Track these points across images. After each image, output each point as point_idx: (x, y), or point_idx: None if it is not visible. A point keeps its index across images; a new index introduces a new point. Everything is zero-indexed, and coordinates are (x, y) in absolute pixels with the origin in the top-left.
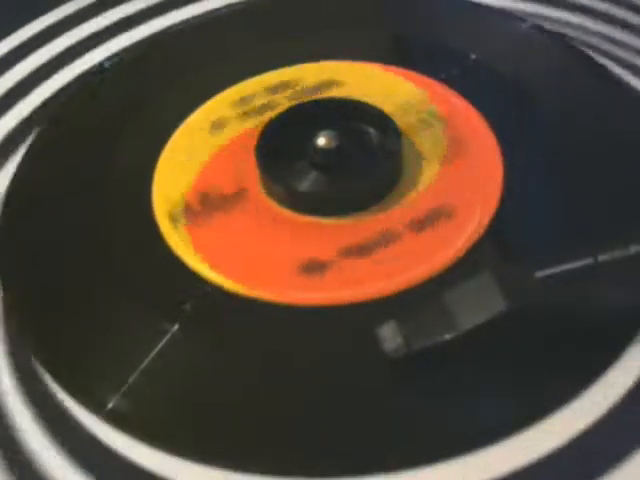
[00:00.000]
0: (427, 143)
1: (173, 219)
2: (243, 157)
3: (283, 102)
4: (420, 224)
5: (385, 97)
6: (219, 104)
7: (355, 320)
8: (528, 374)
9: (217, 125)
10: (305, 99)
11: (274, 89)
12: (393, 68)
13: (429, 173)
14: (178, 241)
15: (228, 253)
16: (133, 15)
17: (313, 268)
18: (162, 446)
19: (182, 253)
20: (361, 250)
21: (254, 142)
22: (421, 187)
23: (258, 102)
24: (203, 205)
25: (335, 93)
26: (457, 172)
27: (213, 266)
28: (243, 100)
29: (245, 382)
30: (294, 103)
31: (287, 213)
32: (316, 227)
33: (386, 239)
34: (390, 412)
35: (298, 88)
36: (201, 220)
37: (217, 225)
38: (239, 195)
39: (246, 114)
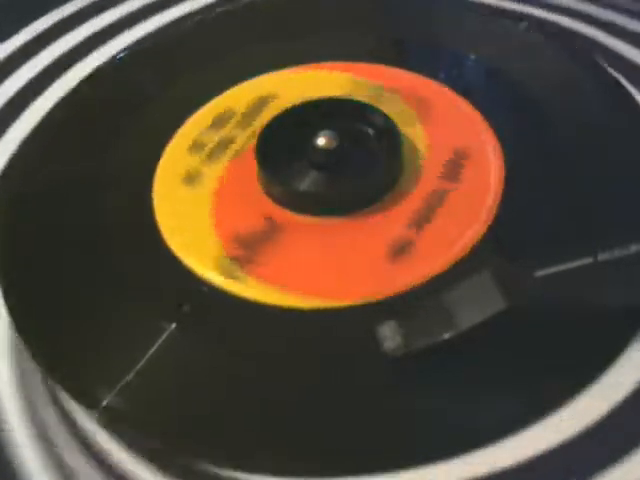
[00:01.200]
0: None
1: (229, 272)
2: (245, 188)
3: (237, 133)
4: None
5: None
6: (175, 156)
7: (355, 320)
8: (528, 374)
9: (192, 179)
10: (254, 125)
11: (217, 124)
12: (331, 65)
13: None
14: (245, 287)
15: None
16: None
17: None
18: (158, 444)
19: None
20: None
21: (244, 172)
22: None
23: (212, 143)
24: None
25: (274, 106)
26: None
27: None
28: (196, 146)
29: (242, 382)
30: (247, 133)
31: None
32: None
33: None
34: (389, 412)
35: (238, 117)
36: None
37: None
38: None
39: (210, 157)
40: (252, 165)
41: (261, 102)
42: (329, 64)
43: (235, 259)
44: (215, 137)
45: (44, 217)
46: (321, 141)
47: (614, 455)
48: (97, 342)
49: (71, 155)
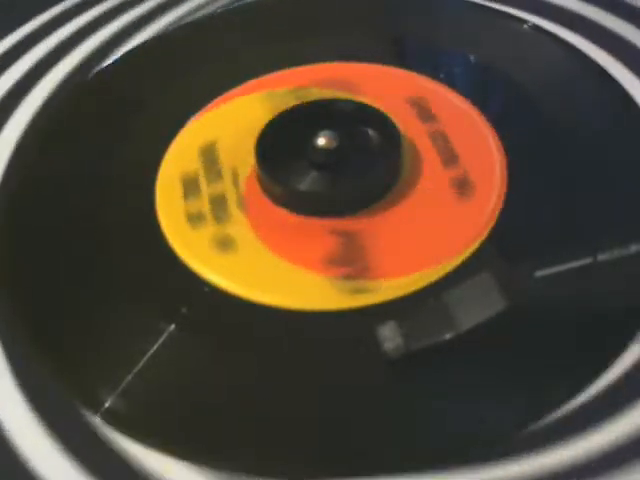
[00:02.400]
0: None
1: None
2: None
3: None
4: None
5: None
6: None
7: (354, 321)
8: (528, 374)
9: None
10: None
11: (188, 191)
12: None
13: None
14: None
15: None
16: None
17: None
18: (158, 446)
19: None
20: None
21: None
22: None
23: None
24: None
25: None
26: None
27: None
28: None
29: (241, 383)
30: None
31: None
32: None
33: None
34: (389, 413)
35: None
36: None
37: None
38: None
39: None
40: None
41: (208, 152)
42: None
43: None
44: (201, 201)
45: (44, 217)
46: (321, 141)
47: (615, 455)
48: (97, 344)
49: (71, 155)
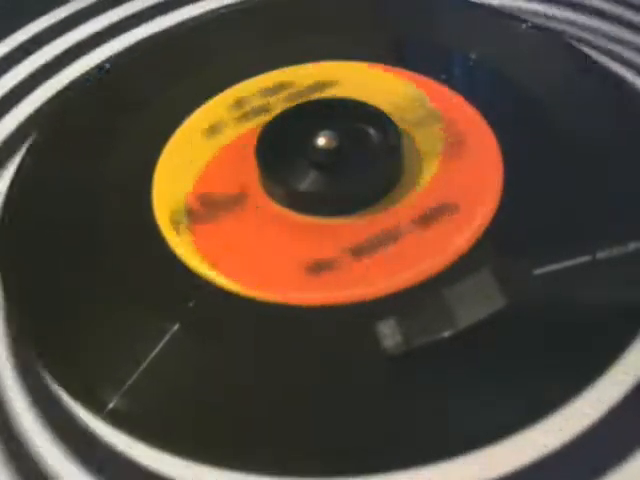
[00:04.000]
0: (426, 142)
1: (175, 221)
2: (242, 159)
3: (279, 104)
4: (420, 223)
5: (382, 96)
6: (214, 108)
7: (355, 319)
8: (527, 373)
9: (214, 129)
10: (301, 101)
11: (270, 91)
12: (391, 68)
13: (429, 172)
14: (180, 242)
15: (230, 254)
16: (129, 17)
17: (314, 268)
18: (163, 446)
19: (183, 254)
20: (361, 250)
21: (252, 144)
22: (421, 186)
23: (254, 105)
24: (205, 207)
25: (331, 93)
26: (457, 171)
27: (214, 266)
28: (239, 103)
29: (245, 382)
30: (290, 105)
31: (288, 213)
32: (317, 227)
33: (387, 238)
34: (388, 411)
35: (294, 90)
36: (203, 222)
37: (219, 226)
38: (240, 196)
39: (243, 117)
40: None
41: (320, 85)
42: (407, 72)
43: (189, 213)
44: (261, 102)
45: (44, 218)
46: (321, 141)
47: (615, 455)
48: (100, 345)
49: (71, 155)
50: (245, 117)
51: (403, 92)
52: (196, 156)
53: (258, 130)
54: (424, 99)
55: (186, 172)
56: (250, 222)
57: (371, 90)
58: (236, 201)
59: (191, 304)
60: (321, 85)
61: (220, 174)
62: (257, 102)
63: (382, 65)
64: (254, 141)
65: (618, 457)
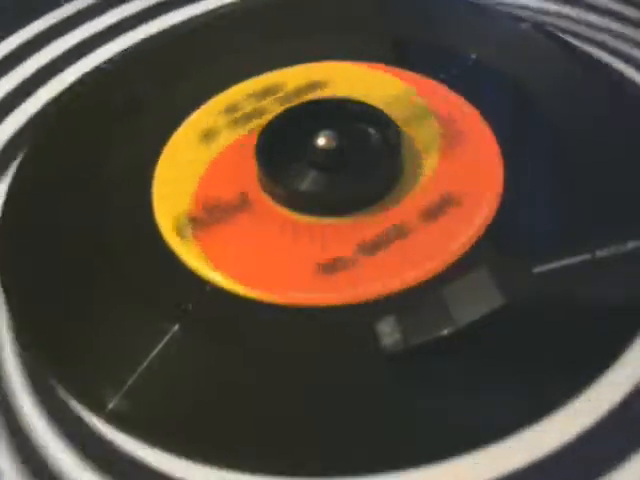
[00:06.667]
0: (423, 139)
1: (176, 221)
2: (241, 163)
3: (271, 107)
4: (420, 223)
5: (373, 94)
6: (206, 114)
7: (354, 318)
8: (527, 373)
9: (208, 136)
10: (293, 103)
11: (260, 95)
12: (381, 66)
13: (428, 169)
14: (179, 242)
15: (229, 254)
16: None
17: (315, 268)
18: (163, 446)
19: (182, 254)
20: (364, 250)
21: (249, 148)
22: (421, 186)
23: (246, 109)
24: (206, 211)
25: (321, 94)
26: (456, 170)
27: (214, 267)
28: (229, 108)
29: (245, 382)
30: (282, 108)
31: (290, 214)
32: (317, 227)
33: (387, 238)
34: (387, 410)
35: (282, 93)
36: (204, 224)
37: (220, 229)
38: (242, 200)
39: (235, 122)
40: None
41: (311, 86)
42: (382, 65)
43: (193, 220)
44: (252, 106)
45: (45, 218)
46: (321, 141)
47: (615, 455)
48: (100, 345)
49: (71, 155)
50: (237, 122)
51: (392, 89)
52: (194, 164)
53: (253, 134)
54: (413, 95)
55: (185, 181)
56: (252, 224)
57: (360, 88)
58: (237, 204)
59: (191, 304)
60: (310, 86)
61: (221, 178)
62: (248, 107)
63: (367, 64)
64: (251, 144)
65: (618, 457)
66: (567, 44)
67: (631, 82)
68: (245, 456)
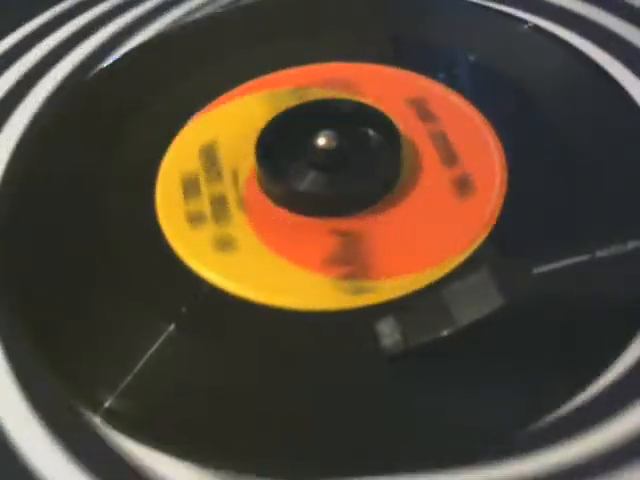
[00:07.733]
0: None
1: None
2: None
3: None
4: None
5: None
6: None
7: (355, 320)
8: (527, 373)
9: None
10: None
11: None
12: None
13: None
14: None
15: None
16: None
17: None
18: (158, 446)
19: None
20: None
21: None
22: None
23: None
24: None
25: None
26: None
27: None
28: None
29: (241, 383)
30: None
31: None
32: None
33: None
34: (387, 411)
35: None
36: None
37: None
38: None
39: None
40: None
41: (208, 152)
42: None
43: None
44: (202, 201)
45: (45, 218)
46: (321, 141)
47: (615, 456)
48: (96, 344)
49: (72, 155)
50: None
51: None
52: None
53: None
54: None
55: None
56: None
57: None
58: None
59: (187, 304)
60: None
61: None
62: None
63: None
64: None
65: (618, 457)
66: (567, 44)
67: (631, 82)
68: (241, 457)
